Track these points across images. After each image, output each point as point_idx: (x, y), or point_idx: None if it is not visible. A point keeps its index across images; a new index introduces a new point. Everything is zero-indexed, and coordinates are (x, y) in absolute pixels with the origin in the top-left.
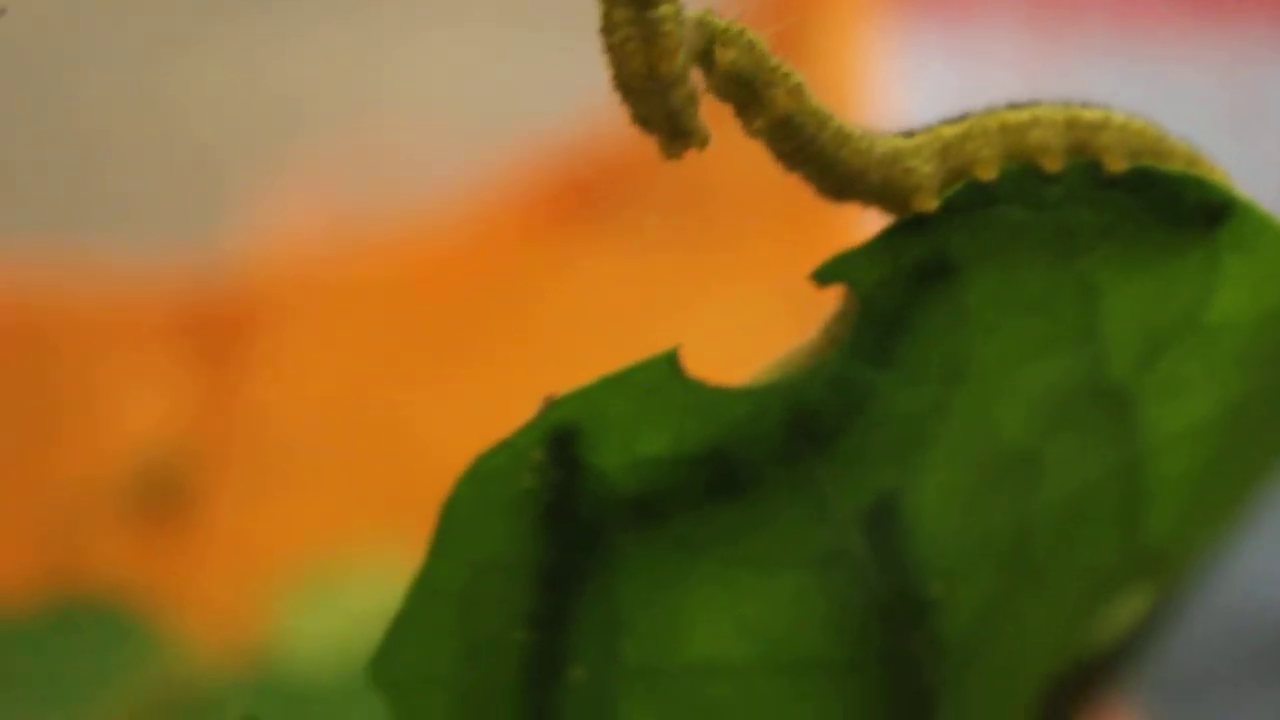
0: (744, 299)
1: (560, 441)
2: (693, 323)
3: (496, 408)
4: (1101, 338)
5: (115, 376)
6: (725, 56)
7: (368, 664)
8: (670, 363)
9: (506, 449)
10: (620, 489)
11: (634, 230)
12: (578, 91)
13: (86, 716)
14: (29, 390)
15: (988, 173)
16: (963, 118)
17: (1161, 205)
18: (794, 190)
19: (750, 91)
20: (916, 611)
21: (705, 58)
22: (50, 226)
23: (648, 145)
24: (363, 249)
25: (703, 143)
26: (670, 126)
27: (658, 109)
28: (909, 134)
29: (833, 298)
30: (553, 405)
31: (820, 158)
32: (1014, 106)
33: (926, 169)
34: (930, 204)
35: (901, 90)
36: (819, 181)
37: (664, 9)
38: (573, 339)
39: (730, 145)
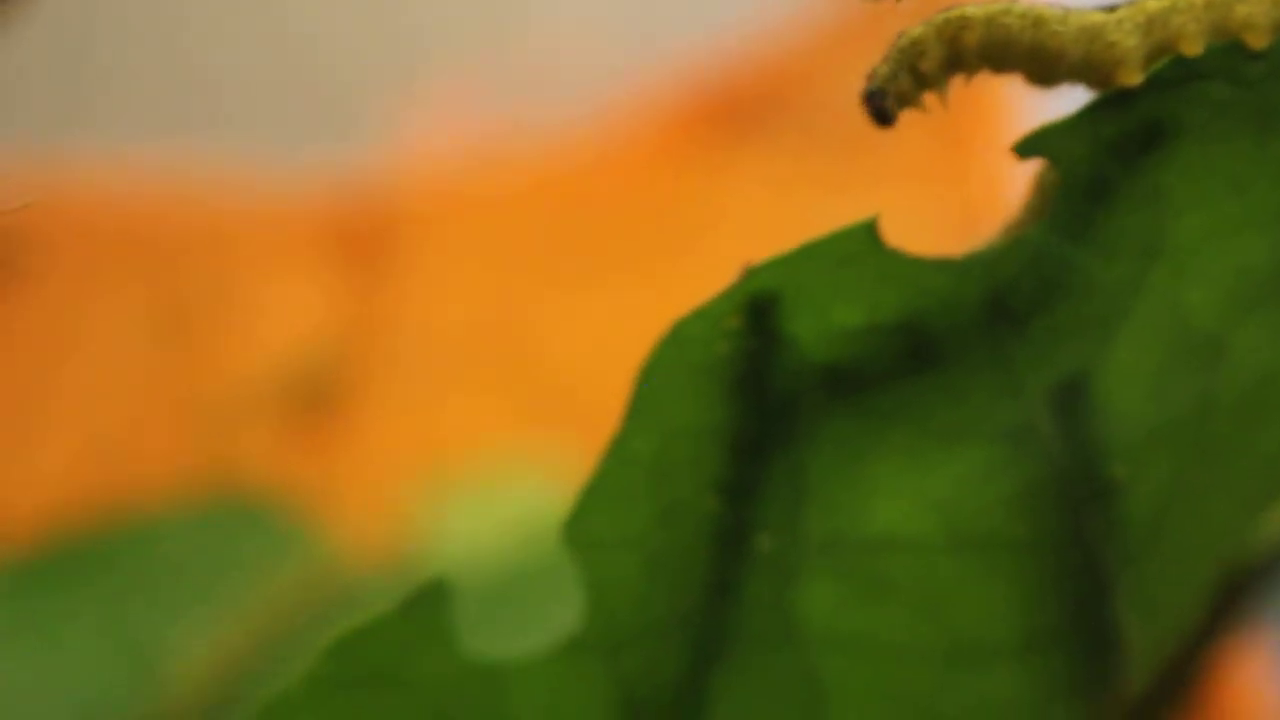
0: (884, 210)
1: (757, 309)
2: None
3: (632, 319)
4: None
5: (268, 284)
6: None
7: (563, 525)
8: (869, 232)
9: (703, 316)
10: (814, 358)
11: (774, 144)
12: (720, 6)
13: (233, 612)
14: (186, 296)
15: (1193, 48)
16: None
17: None
18: (934, 99)
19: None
20: (1098, 492)
21: None
22: (200, 140)
23: (788, 61)
24: (505, 162)
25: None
26: (890, 100)
27: (895, 82)
28: (1111, 8)
29: (966, 201)
30: (751, 273)
31: (1018, 54)
32: None
33: (1130, 43)
34: (1134, 78)
35: None
36: (1023, 73)
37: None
38: (712, 251)
39: (872, 58)
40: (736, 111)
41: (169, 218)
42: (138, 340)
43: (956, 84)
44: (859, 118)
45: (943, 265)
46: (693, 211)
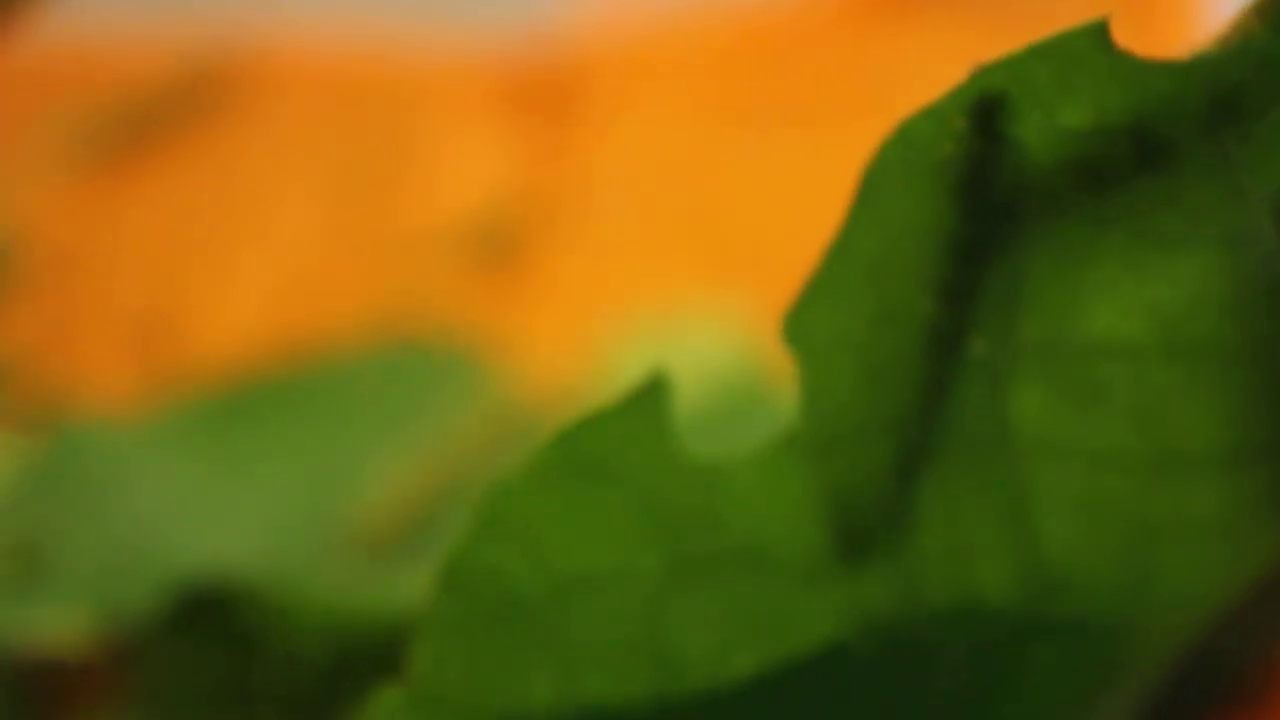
0: None
1: (984, 110)
2: None
3: (818, 177)
4: None
5: (455, 136)
6: None
7: (783, 320)
8: (1099, 32)
9: (930, 115)
10: (1040, 160)
11: (956, 11)
12: None
13: (419, 449)
14: (359, 146)
15: None
16: None
17: None
18: None
19: None
20: None
21: None
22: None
23: None
24: (692, 19)
25: None
26: None
27: None
28: None
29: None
30: (979, 73)
31: None
32: None
33: None
34: None
35: None
36: None
37: None
38: (902, 110)
39: None
40: None
41: (352, 71)
42: (327, 188)
43: None
44: None
45: (1170, 67)
46: (883, 71)
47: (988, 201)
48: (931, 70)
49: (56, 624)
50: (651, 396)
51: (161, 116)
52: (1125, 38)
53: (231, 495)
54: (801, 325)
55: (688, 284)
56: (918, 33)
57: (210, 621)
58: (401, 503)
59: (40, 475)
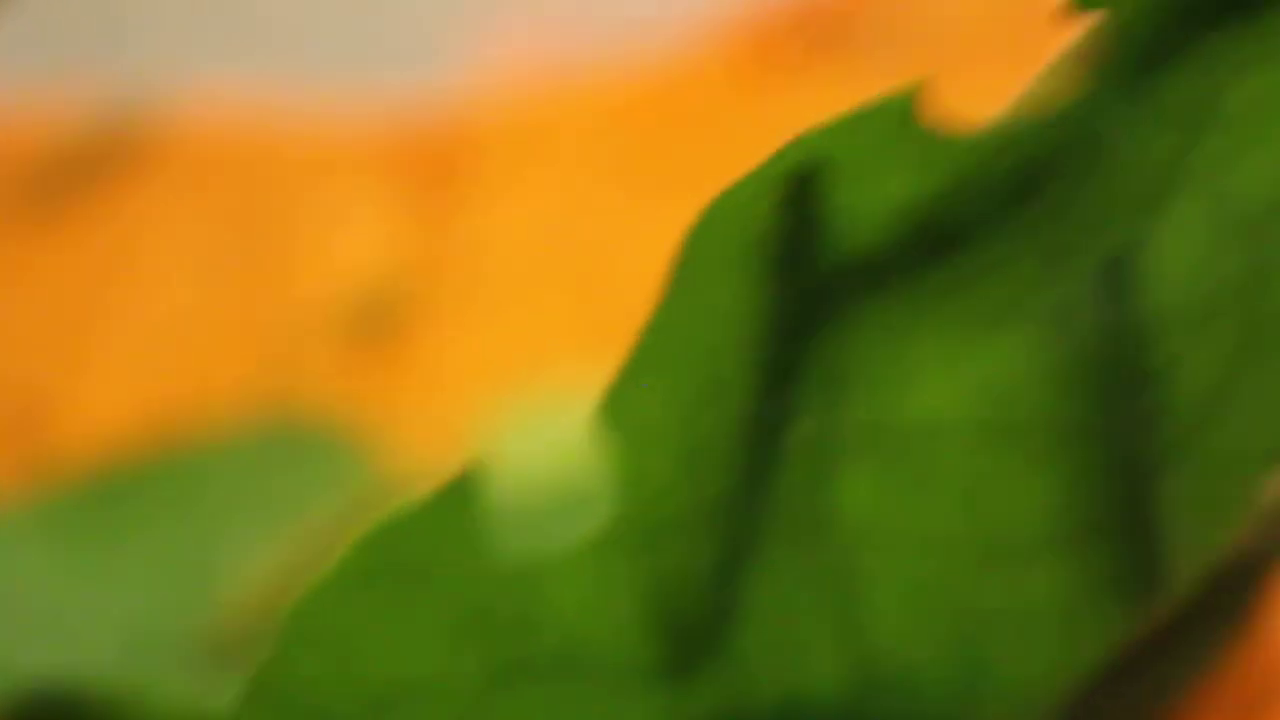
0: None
1: (799, 183)
2: None
3: None
4: None
5: (330, 206)
6: None
7: (600, 404)
8: (912, 104)
9: (745, 188)
10: (854, 238)
11: (847, 64)
12: None
13: (291, 536)
14: (243, 219)
15: None
16: None
17: None
18: (1013, 26)
19: None
20: (1145, 373)
21: None
22: (269, 62)
23: None
24: (576, 84)
25: None
26: None
27: None
28: None
29: None
30: (794, 144)
31: None
32: None
33: None
34: None
35: None
36: None
37: None
38: None
39: None
40: (810, 30)
41: (239, 141)
42: (202, 262)
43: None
44: (935, 36)
45: (988, 138)
46: (766, 133)
47: (807, 276)
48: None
49: None
50: (464, 491)
51: (48, 185)
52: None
53: (89, 592)
54: (618, 408)
55: (575, 359)
56: (811, 94)
57: None
58: (268, 594)
59: None
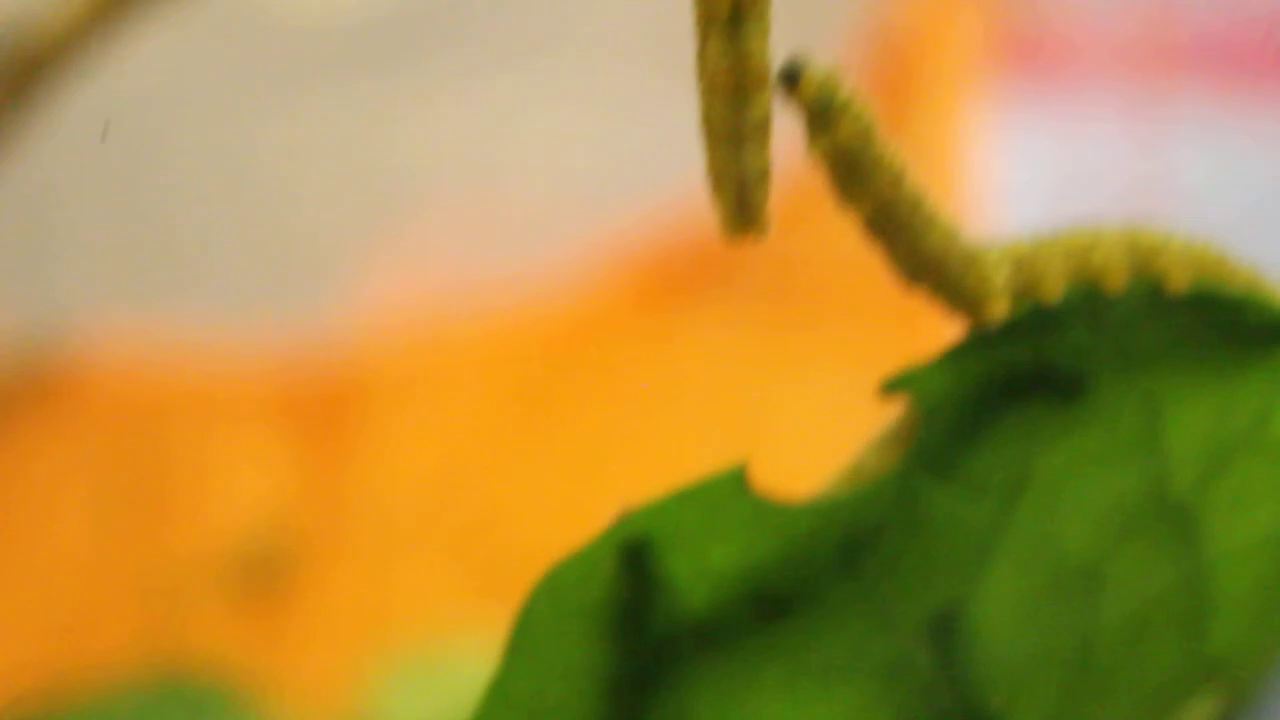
0: (838, 377)
1: (632, 553)
2: (788, 403)
3: (588, 488)
4: (1165, 451)
5: (219, 453)
6: (842, 129)
7: None
8: (738, 479)
9: (580, 561)
10: (690, 601)
11: (730, 308)
12: (680, 167)
13: None
14: (132, 465)
15: (1054, 294)
16: (1032, 238)
17: (1223, 325)
18: (888, 278)
19: (855, 171)
20: None
21: (820, 124)
22: (152, 302)
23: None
24: (457, 325)
25: (761, 231)
26: (738, 196)
27: (732, 165)
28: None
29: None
30: (625, 519)
31: (905, 241)
32: (1077, 229)
33: (999, 279)
34: (999, 313)
35: (1002, 165)
36: (897, 262)
37: (756, 37)
38: (669, 418)
39: (827, 225)
40: (694, 274)
41: (122, 383)
42: (96, 507)
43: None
44: (813, 282)
45: (809, 509)
46: (650, 376)
47: (643, 641)
48: (700, 375)
49: None
50: None
51: None
52: (889, 352)
53: None
54: None
55: (459, 605)
56: (688, 333)
57: None
58: None
59: None
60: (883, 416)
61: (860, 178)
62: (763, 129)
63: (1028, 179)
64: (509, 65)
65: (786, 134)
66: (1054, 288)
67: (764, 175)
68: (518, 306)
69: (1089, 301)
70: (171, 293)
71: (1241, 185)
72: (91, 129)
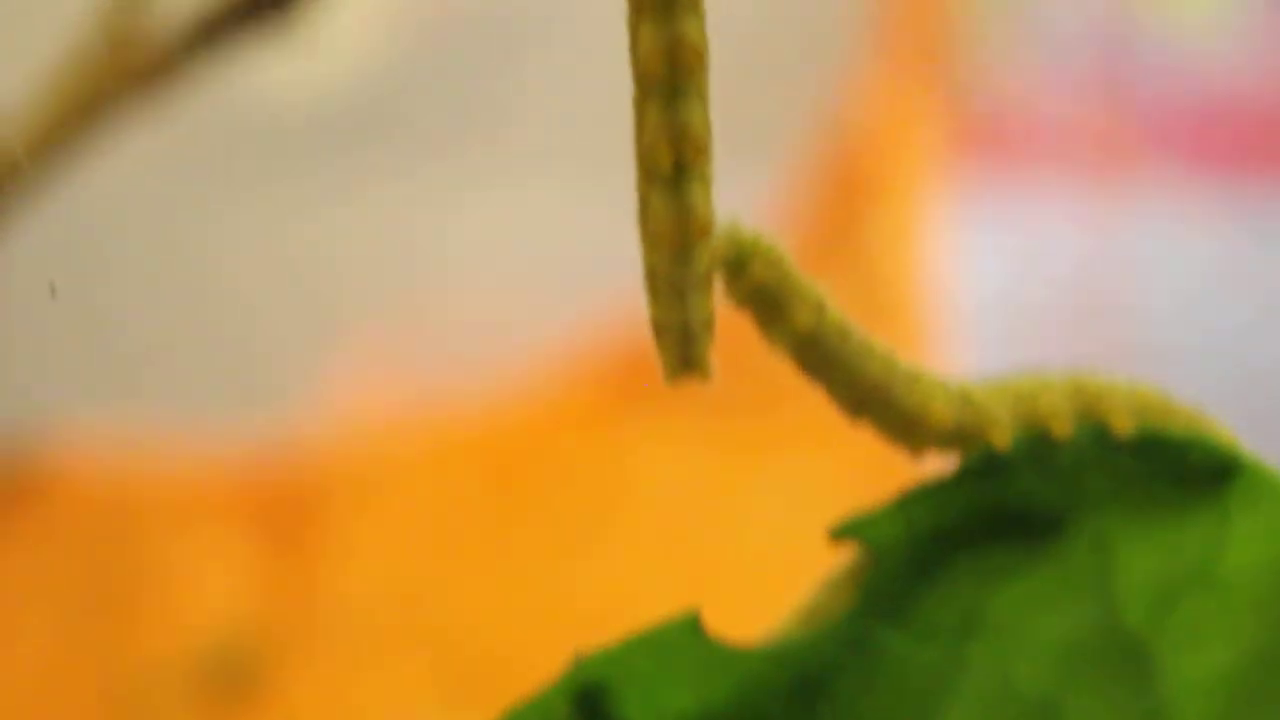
0: (788, 472)
1: (586, 699)
2: (750, 508)
3: (551, 590)
4: (1117, 590)
5: (185, 556)
6: (753, 271)
7: None
8: (692, 624)
9: (535, 708)
10: None
11: (682, 407)
12: (637, 265)
13: None
14: (98, 567)
15: (1003, 440)
16: (979, 383)
17: (1169, 466)
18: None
19: (774, 307)
20: None
21: (733, 269)
22: (116, 405)
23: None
24: (422, 426)
25: (703, 376)
26: (682, 342)
27: (676, 315)
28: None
29: (868, 463)
30: (579, 664)
31: (839, 372)
32: (1022, 375)
33: (945, 412)
34: (938, 444)
35: (960, 268)
36: (838, 395)
37: (698, 193)
38: (629, 516)
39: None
40: (647, 373)
41: (88, 486)
42: (51, 614)
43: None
44: (768, 396)
45: (762, 654)
46: (607, 476)
47: None
48: (664, 472)
49: None
50: None
51: None
52: (847, 474)
53: None
54: None
55: (426, 708)
56: (643, 433)
57: None
58: None
59: None
60: (844, 501)
61: (780, 314)
62: (706, 281)
63: (985, 266)
64: (462, 162)
65: None
66: (1003, 434)
67: (708, 325)
68: (476, 407)
69: (1038, 445)
70: (135, 395)
71: (1190, 266)
72: (55, 232)
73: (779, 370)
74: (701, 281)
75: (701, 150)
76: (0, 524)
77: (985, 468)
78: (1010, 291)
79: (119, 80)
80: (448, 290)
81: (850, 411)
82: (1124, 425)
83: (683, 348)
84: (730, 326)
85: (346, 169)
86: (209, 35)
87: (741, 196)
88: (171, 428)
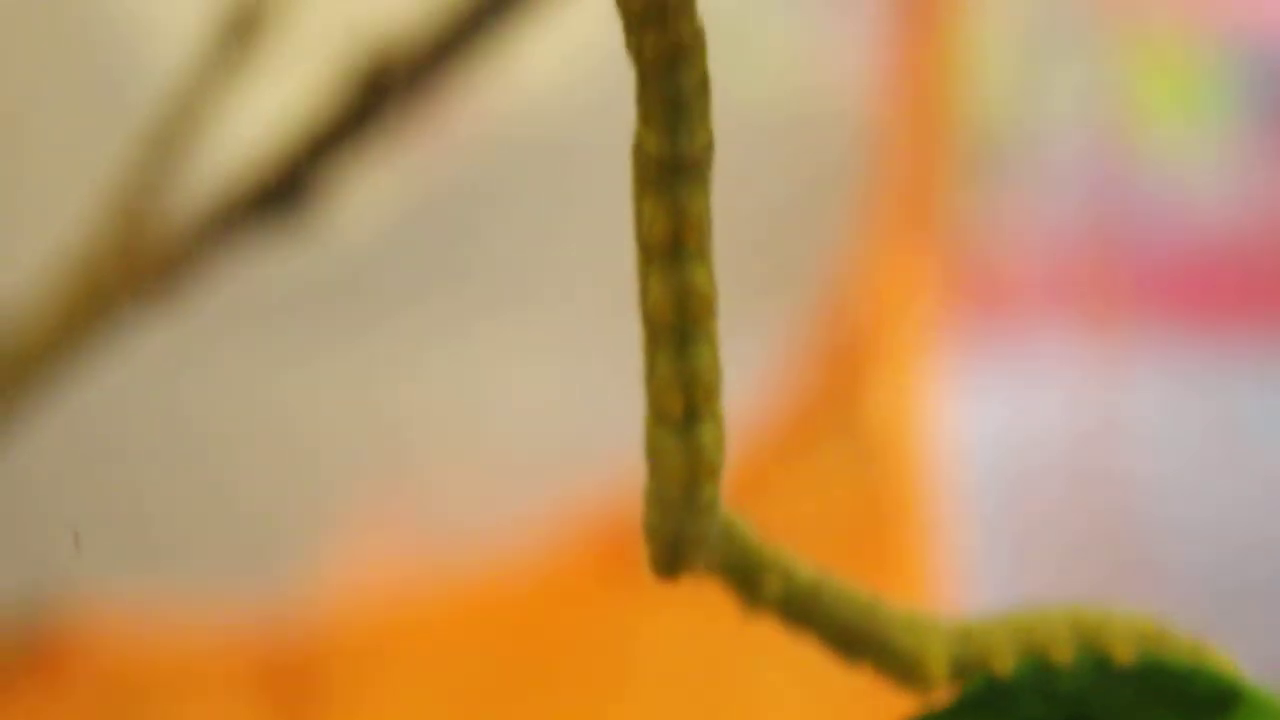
0: (804, 654)
1: None
2: (756, 678)
3: None
4: None
5: None
6: (708, 561)
7: None
8: None
9: None
10: None
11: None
12: (629, 440)
13: None
14: None
15: (1004, 668)
16: (978, 618)
17: (1171, 694)
18: (852, 534)
19: (742, 579)
20: None
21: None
22: (126, 576)
23: None
24: (430, 596)
25: (691, 575)
26: (670, 552)
27: (670, 526)
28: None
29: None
30: None
31: (826, 627)
32: (1021, 610)
33: (937, 649)
34: (938, 681)
35: (960, 420)
36: (830, 648)
37: (709, 433)
38: (634, 686)
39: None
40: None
41: (98, 657)
42: None
43: (877, 522)
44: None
45: None
46: (610, 645)
47: None
48: (667, 639)
49: None
50: None
51: None
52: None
53: None
54: None
55: None
56: (652, 602)
57: None
58: None
59: None
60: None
61: (749, 584)
62: (710, 507)
63: (981, 431)
64: (471, 326)
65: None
66: (1003, 662)
67: (700, 541)
68: (478, 577)
69: (1039, 673)
70: (142, 566)
71: (1190, 428)
72: (63, 413)
73: (787, 521)
74: (704, 511)
75: (711, 393)
76: (10, 692)
77: (987, 696)
78: (1005, 458)
79: (128, 276)
80: (455, 451)
81: (846, 660)
82: (1125, 653)
83: (671, 554)
84: (729, 500)
85: (353, 338)
86: (219, 229)
87: (738, 367)
88: (177, 598)
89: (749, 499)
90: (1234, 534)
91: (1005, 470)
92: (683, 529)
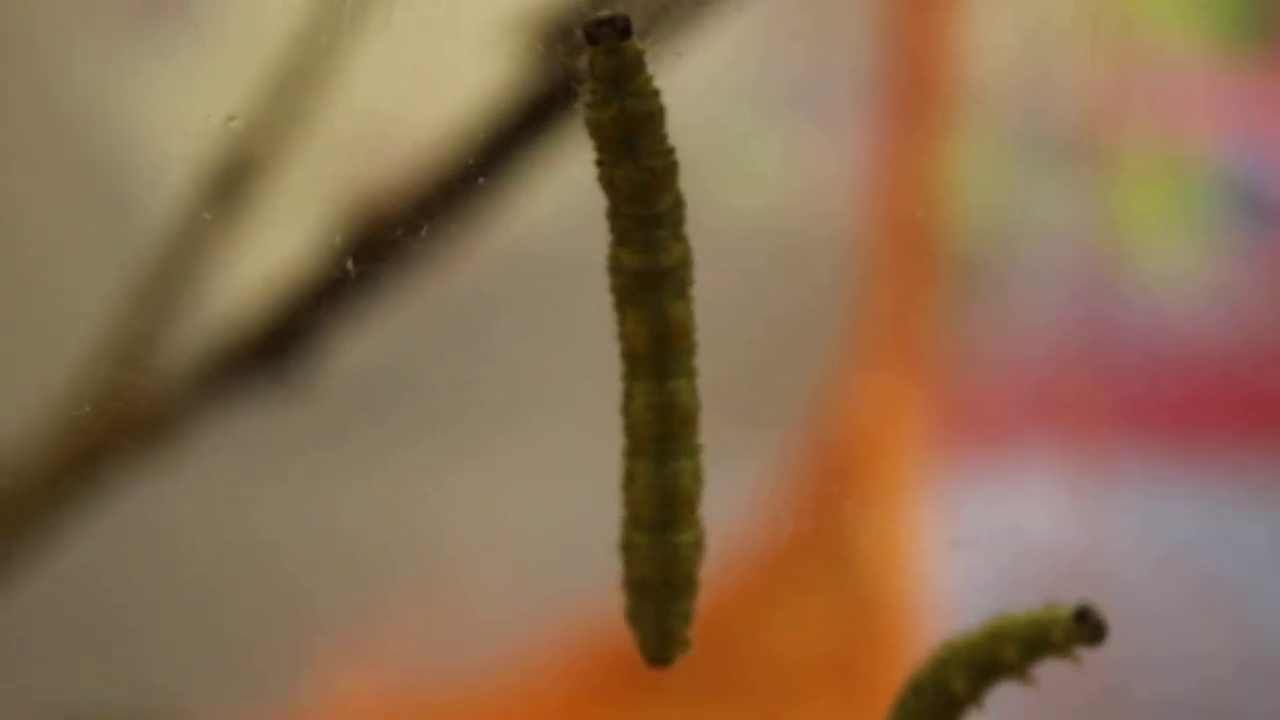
0: None
1: None
2: None
3: None
4: None
5: None
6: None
7: None
8: None
9: None
10: None
11: (685, 703)
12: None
13: None
14: None
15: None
16: None
17: None
18: (841, 663)
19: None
20: None
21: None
22: (107, 695)
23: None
24: (424, 713)
25: (684, 650)
26: (658, 634)
27: (651, 608)
28: None
29: None
30: None
31: None
32: None
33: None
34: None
35: (943, 563)
36: None
37: (685, 535)
38: None
39: (778, 617)
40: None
41: None
42: None
43: (866, 651)
44: (770, 673)
45: None
46: None
47: None
48: None
49: None
50: None
51: None
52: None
53: None
54: None
55: None
56: (650, 713)
57: None
58: None
59: None
60: None
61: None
62: (687, 595)
63: (969, 561)
64: (465, 448)
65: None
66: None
67: (686, 615)
68: (478, 699)
69: None
70: (132, 693)
71: (1182, 563)
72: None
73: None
74: (684, 590)
75: (690, 504)
76: None
77: None
78: (992, 582)
79: (119, 432)
80: (447, 575)
81: None
82: None
83: (658, 635)
84: (734, 624)
85: (333, 465)
86: (209, 385)
87: (727, 493)
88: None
89: (735, 625)
90: (1216, 665)
91: (993, 594)
92: (665, 609)
